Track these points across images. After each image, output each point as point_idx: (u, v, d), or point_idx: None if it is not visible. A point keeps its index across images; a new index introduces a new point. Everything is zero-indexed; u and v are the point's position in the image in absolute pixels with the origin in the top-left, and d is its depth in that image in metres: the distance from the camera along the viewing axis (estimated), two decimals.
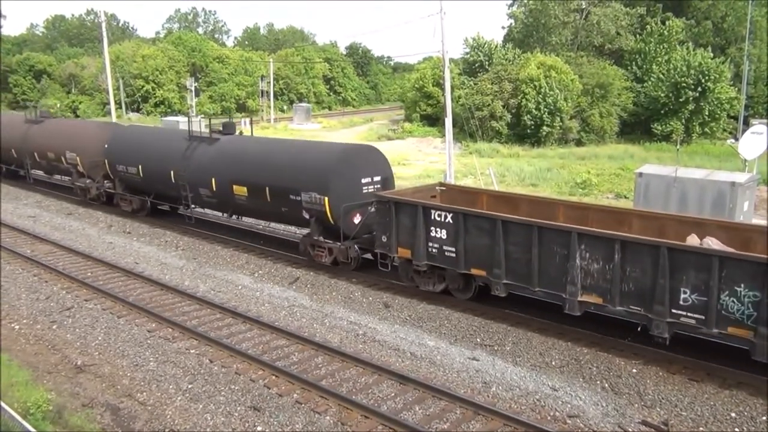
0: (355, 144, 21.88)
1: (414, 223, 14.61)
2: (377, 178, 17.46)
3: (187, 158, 20.39)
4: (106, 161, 23.78)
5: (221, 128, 20.98)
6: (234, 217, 20.62)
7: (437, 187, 17.33)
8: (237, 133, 22.01)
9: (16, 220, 23.65)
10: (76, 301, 15.52)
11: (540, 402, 10.71)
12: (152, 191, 22.84)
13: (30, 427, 8.30)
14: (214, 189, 19.49)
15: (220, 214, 21.64)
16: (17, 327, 14.01)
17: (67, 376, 11.75)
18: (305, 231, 18.45)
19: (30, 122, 29.42)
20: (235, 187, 18.75)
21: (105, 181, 24.93)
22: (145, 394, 11.04)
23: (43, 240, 20.90)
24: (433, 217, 14.31)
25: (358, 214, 16.77)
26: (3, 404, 8.71)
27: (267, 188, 17.87)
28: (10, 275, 17.38)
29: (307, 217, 17.20)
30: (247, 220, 21.69)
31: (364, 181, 17.13)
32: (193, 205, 20.96)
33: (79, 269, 17.89)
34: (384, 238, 15.33)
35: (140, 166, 22.22)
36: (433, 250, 14.46)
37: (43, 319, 14.44)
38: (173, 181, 20.77)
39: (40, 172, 30.41)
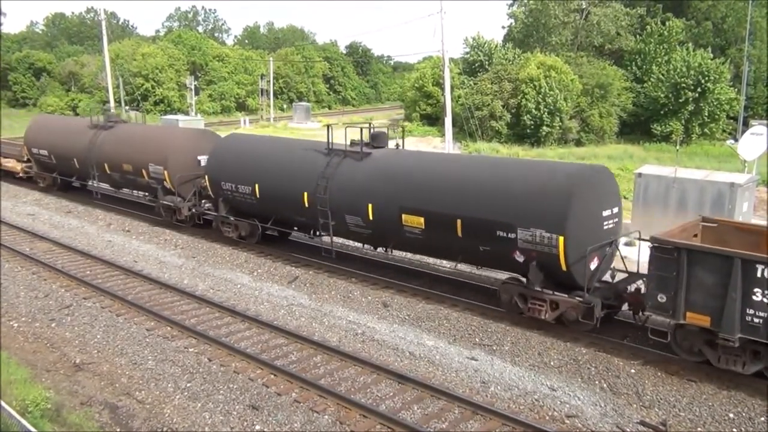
0: (586, 165, 16.55)
1: (723, 281, 10.69)
2: (615, 210, 13.65)
3: (328, 177, 16.37)
4: (206, 177, 19.70)
5: (368, 140, 16.96)
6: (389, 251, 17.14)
7: (701, 223, 13.23)
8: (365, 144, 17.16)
9: (15, 218, 23.62)
10: (74, 299, 15.51)
11: (538, 402, 10.71)
12: (271, 216, 18.70)
13: (29, 426, 8.30)
14: (371, 218, 15.69)
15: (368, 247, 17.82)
16: (16, 325, 14.00)
17: (65, 374, 11.75)
18: (500, 274, 15.31)
19: (97, 128, 25.02)
20: (404, 216, 14.96)
21: (202, 201, 21.07)
22: (143, 392, 11.04)
23: (42, 238, 20.88)
24: (759, 275, 10.41)
25: (596, 258, 13.06)
26: (3, 403, 8.70)
27: (459, 220, 13.90)
28: (9, 273, 17.37)
29: (521, 260, 13.39)
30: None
31: (605, 214, 13.34)
32: (323, 233, 17.53)
33: (78, 267, 17.88)
34: (662, 298, 11.37)
35: (256, 186, 18.11)
36: (756, 320, 10.54)
37: (42, 317, 14.43)
38: (306, 205, 16.91)
39: (104, 185, 26.14)
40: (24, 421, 8.56)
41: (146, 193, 23.59)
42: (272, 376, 11.49)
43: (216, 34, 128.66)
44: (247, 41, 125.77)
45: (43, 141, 27.25)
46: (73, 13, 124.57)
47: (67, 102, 75.92)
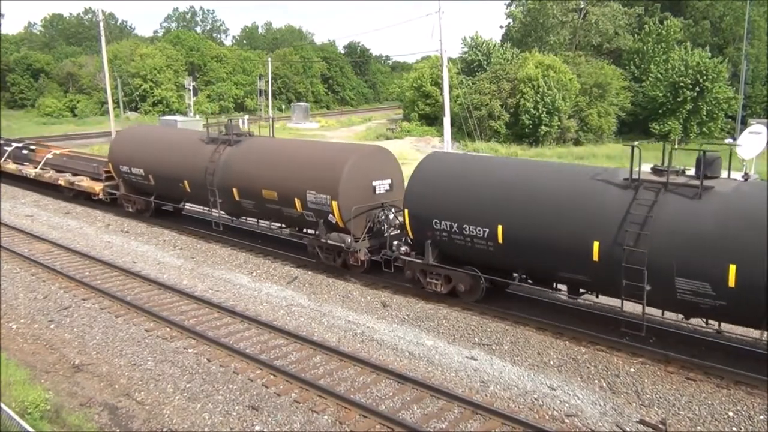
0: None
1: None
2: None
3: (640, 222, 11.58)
4: (407, 212, 14.96)
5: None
6: None
7: None
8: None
9: (13, 219, 23.60)
10: (74, 300, 15.50)
11: (538, 401, 10.72)
12: (525, 267, 13.78)
13: (29, 428, 8.29)
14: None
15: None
16: (15, 326, 13.99)
17: (64, 375, 11.74)
18: None
19: (218, 142, 19.55)
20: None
21: (396, 243, 15.70)
22: (143, 393, 11.03)
23: (40, 239, 20.86)
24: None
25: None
26: (2, 404, 8.69)
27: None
28: (8, 274, 17.35)
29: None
30: None
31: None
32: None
33: (77, 268, 17.87)
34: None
35: (500, 228, 13.34)
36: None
37: (41, 318, 14.42)
38: (597, 259, 12.15)
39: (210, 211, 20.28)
40: (23, 423, 8.55)
41: (292, 227, 18.66)
42: (272, 376, 11.49)
43: (214, 35, 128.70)
44: (245, 42, 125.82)
45: (138, 158, 21.99)
46: (71, 14, 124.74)
47: (65, 103, 75.85)
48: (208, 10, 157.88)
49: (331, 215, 16.29)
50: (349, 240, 16.00)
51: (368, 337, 13.31)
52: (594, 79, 49.23)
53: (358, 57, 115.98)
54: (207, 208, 20.28)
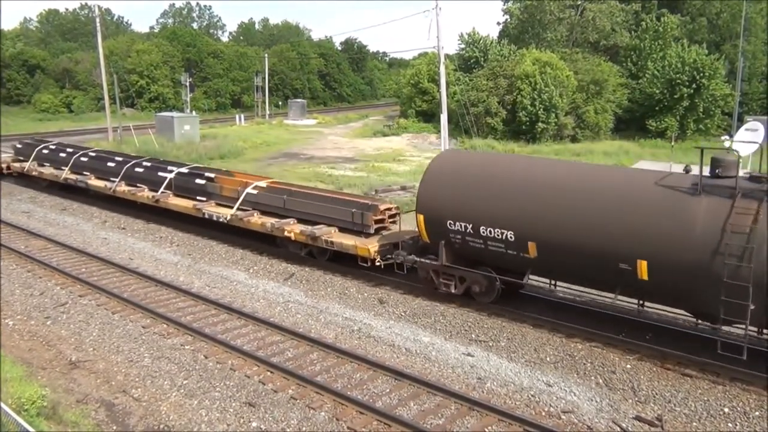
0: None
1: None
2: None
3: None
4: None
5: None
6: None
7: None
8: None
9: (10, 216, 23.53)
10: (70, 296, 15.48)
11: (534, 397, 10.74)
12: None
13: (25, 424, 8.27)
14: None
15: None
16: (11, 323, 13.97)
17: (61, 372, 11.73)
18: None
19: (741, 195, 10.97)
20: None
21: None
22: (139, 390, 11.03)
23: (37, 235, 20.81)
24: None
25: None
26: (2, 404, 8.67)
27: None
28: (4, 271, 17.31)
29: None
30: None
31: None
32: None
33: (74, 265, 17.84)
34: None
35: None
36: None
37: (38, 314, 14.40)
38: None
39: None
40: (20, 420, 8.54)
41: None
42: (269, 373, 11.50)
43: (211, 31, 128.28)
44: (242, 38, 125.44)
45: (498, 211, 13.21)
46: (67, 9, 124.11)
47: (61, 99, 75.60)
48: (204, 6, 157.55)
49: None
50: None
51: (365, 334, 13.33)
52: (591, 76, 49.22)
53: (355, 54, 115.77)
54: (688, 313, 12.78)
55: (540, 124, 46.37)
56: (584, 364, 11.82)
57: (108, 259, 18.34)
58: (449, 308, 14.45)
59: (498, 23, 77.44)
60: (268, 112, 73.76)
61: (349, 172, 33.57)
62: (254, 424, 9.95)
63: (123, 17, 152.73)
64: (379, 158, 39.66)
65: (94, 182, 24.58)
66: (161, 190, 21.86)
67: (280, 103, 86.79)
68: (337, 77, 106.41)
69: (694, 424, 9.97)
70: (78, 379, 11.43)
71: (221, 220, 19.38)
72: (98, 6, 48.22)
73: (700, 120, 47.49)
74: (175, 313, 14.28)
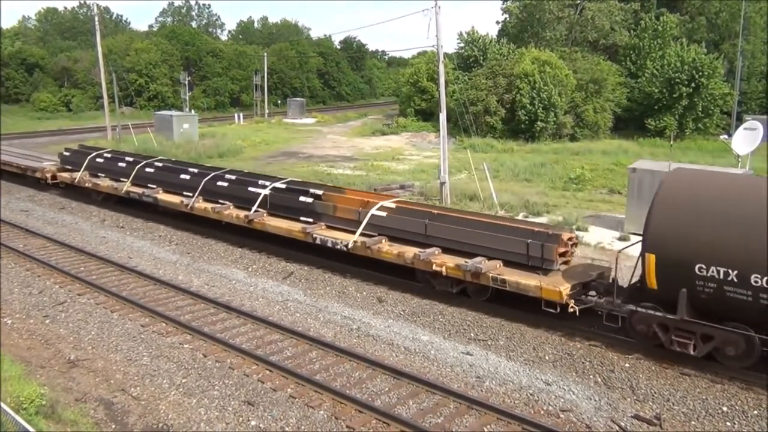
0: None
1: None
2: None
3: None
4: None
5: None
6: None
7: None
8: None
9: (8, 214, 23.50)
10: (69, 295, 15.47)
11: (533, 396, 10.75)
12: None
13: (26, 424, 8.27)
14: None
15: None
16: (10, 321, 13.96)
17: (60, 370, 11.73)
18: None
19: None
20: None
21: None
22: (138, 388, 11.03)
23: (35, 234, 20.80)
24: None
25: None
26: (2, 403, 8.67)
27: None
28: (3, 269, 17.30)
29: None
30: None
31: None
32: None
33: (72, 264, 17.83)
34: None
35: None
36: None
37: (36, 313, 14.39)
38: None
39: None
40: (19, 418, 8.54)
41: None
42: (268, 371, 11.50)
43: (210, 30, 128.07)
44: (241, 36, 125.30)
45: (739, 247, 10.77)
46: (65, 8, 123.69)
47: (60, 98, 75.49)
48: (203, 5, 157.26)
49: None
50: None
51: (364, 333, 13.33)
52: (590, 75, 49.18)
53: (355, 52, 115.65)
54: None
55: (539, 123, 46.35)
56: (583, 362, 11.83)
57: (107, 257, 18.33)
58: (448, 307, 14.46)
59: (497, 22, 77.47)
60: (267, 110, 73.71)
61: (348, 170, 33.56)
62: (253, 423, 9.96)
63: (122, 16, 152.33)
64: (378, 157, 39.64)
65: (165, 197, 21.64)
66: (254, 208, 18.87)
67: (279, 101, 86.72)
68: (336, 76, 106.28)
69: (693, 422, 9.98)
70: (77, 378, 11.43)
71: (338, 247, 16.29)
72: (97, 4, 48.23)
73: (699, 119, 47.48)
74: (174, 312, 14.28)
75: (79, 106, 73.80)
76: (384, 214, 16.31)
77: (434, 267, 14.41)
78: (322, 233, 17.01)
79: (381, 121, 63.68)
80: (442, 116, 25.26)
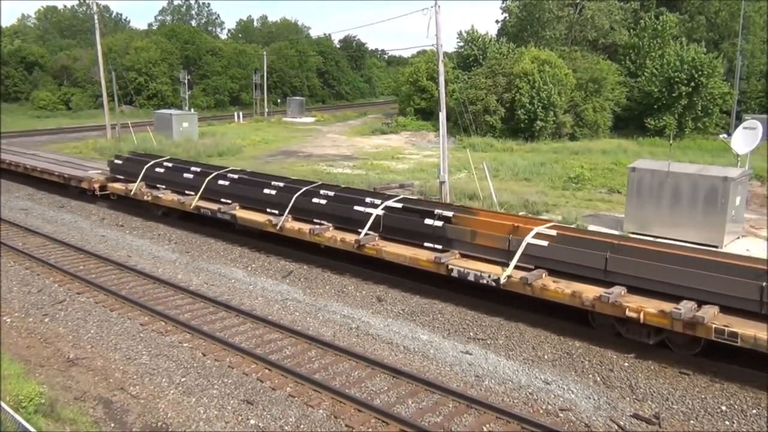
0: None
1: None
2: None
3: None
4: None
5: None
6: None
7: None
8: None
9: (7, 213, 23.50)
10: (68, 294, 15.47)
11: (532, 395, 10.75)
12: None
13: (24, 422, 8.26)
14: None
15: None
16: (9, 320, 13.95)
17: (59, 369, 11.73)
18: None
19: None
20: None
21: None
22: (137, 387, 11.03)
23: (35, 233, 20.80)
24: None
25: None
26: (1, 402, 8.66)
27: None
28: (2, 268, 17.30)
29: None
30: None
31: None
32: None
33: (72, 262, 17.83)
34: None
35: None
36: None
37: (35, 312, 14.39)
38: None
39: None
40: (18, 417, 8.53)
41: None
42: (267, 370, 11.50)
43: (209, 28, 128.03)
44: (240, 35, 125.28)
45: None
46: (65, 6, 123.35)
47: (59, 96, 75.47)
48: (203, 4, 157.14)
49: None
50: None
51: (363, 332, 13.33)
52: (589, 74, 49.18)
53: (354, 51, 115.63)
54: None
55: (538, 122, 46.36)
56: (582, 362, 11.84)
57: (106, 256, 18.33)
58: (447, 306, 14.46)
59: (497, 21, 77.34)
60: (266, 109, 73.69)
61: (348, 170, 33.55)
62: (252, 422, 9.96)
63: (121, 14, 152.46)
64: (377, 156, 39.62)
65: (244, 214, 19.16)
66: (365, 231, 16.25)
67: (278, 100, 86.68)
68: (336, 75, 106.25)
69: (692, 421, 9.99)
70: (76, 377, 11.43)
71: (483, 281, 13.75)
72: (96, 3, 48.03)
73: (699, 118, 47.50)
74: (173, 311, 14.28)
75: (79, 105, 73.78)
76: (544, 243, 13.66)
77: (628, 312, 11.74)
78: (460, 264, 14.30)
79: (380, 120, 63.63)
80: (442, 115, 25.26)
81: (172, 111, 50.79)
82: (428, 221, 15.59)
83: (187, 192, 21.34)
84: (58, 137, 49.33)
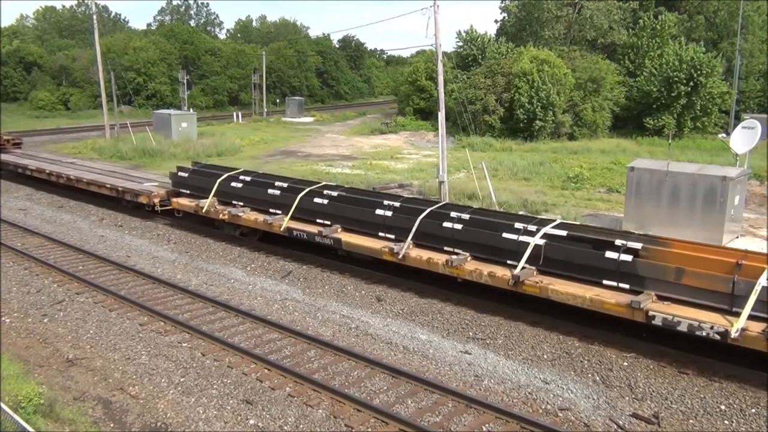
0: None
1: None
2: None
3: None
4: None
5: None
6: None
7: None
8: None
9: (6, 213, 23.49)
10: (67, 294, 15.46)
11: (532, 395, 10.76)
12: None
13: (25, 424, 8.26)
14: None
15: None
16: (8, 320, 13.94)
17: (58, 369, 11.72)
18: None
19: None
20: None
21: None
22: (137, 387, 11.02)
23: (34, 233, 20.79)
24: None
25: None
26: (2, 405, 8.66)
27: None
28: (1, 268, 17.28)
29: None
30: None
31: None
32: None
33: (71, 262, 17.82)
34: None
35: None
36: None
37: (35, 312, 14.38)
38: None
39: None
40: (17, 417, 8.53)
41: None
42: (266, 370, 11.50)
43: (208, 28, 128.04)
44: (239, 35, 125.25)
45: None
46: (64, 6, 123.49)
47: (58, 96, 75.44)
48: (202, 4, 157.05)
49: None
50: None
51: (363, 332, 13.33)
52: (588, 73, 49.22)
53: (353, 51, 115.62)
54: None
55: (537, 122, 46.39)
56: (581, 361, 11.84)
57: (105, 256, 18.32)
58: (446, 306, 14.46)
59: (496, 21, 77.43)
60: (265, 109, 73.67)
61: (347, 169, 33.56)
62: (251, 422, 9.95)
63: (120, 14, 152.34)
64: (376, 156, 39.64)
65: (352, 239, 16.39)
66: (521, 264, 13.48)
67: (277, 100, 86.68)
68: (335, 75, 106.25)
69: (691, 421, 10.00)
70: (75, 377, 11.42)
71: (705, 334, 10.95)
72: (95, 3, 48.04)
73: (698, 118, 47.54)
74: (173, 311, 14.27)
75: (78, 105, 73.76)
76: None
77: None
78: (666, 311, 11.50)
79: (379, 119, 63.65)
80: (441, 115, 25.26)
81: (171, 111, 50.79)
82: (610, 254, 12.68)
83: (271, 210, 18.70)
84: (57, 137, 49.34)
